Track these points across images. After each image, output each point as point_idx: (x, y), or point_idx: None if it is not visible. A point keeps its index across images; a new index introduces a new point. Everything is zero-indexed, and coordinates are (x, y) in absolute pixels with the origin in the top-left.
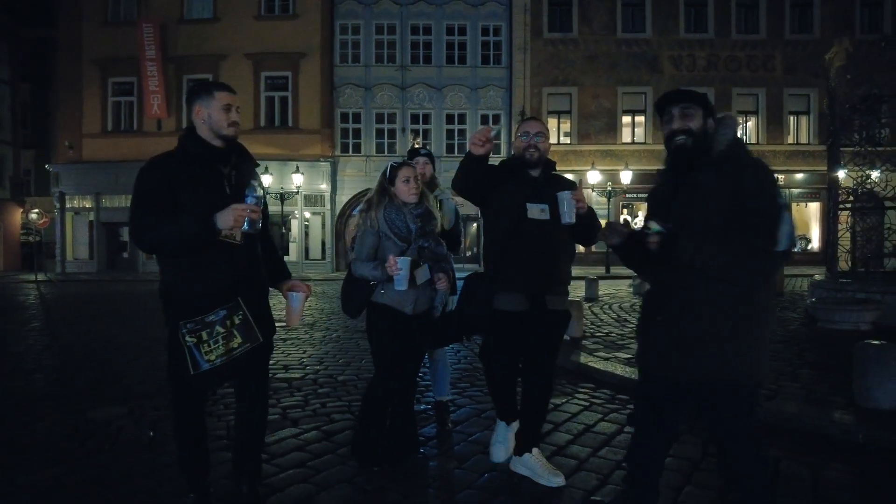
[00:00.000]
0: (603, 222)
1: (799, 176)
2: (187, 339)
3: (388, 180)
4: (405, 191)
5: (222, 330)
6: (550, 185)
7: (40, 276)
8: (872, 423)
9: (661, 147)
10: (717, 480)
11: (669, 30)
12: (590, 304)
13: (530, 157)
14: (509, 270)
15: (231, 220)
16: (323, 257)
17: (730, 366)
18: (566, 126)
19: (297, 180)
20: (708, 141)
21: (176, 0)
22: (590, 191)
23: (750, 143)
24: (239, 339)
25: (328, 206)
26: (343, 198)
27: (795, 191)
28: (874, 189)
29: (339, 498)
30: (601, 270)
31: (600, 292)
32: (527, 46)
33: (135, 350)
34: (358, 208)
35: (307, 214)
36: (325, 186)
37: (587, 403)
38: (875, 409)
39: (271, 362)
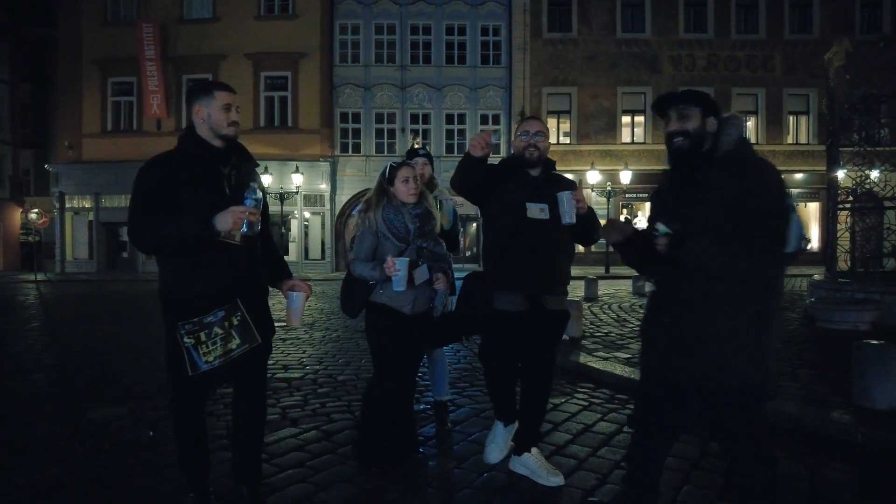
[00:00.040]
0: (602, 222)
1: (798, 176)
2: (185, 339)
3: (387, 180)
4: (404, 191)
5: (220, 331)
6: (550, 184)
7: (40, 276)
8: (871, 423)
9: (661, 147)
10: (717, 480)
11: (669, 30)
12: (589, 304)
13: (530, 157)
14: (509, 270)
15: (230, 222)
16: (322, 257)
17: (730, 367)
18: (566, 126)
19: (297, 180)
20: (708, 141)
21: (175, 0)
22: (589, 191)
23: None
24: (237, 341)
25: (328, 206)
26: (343, 198)
27: (795, 191)
28: (873, 189)
29: (338, 497)
30: (601, 270)
31: (600, 292)
32: (526, 46)
33: (134, 350)
34: (357, 208)
35: (307, 214)
36: (324, 186)
37: (586, 403)
38: (873, 409)
39: (271, 362)
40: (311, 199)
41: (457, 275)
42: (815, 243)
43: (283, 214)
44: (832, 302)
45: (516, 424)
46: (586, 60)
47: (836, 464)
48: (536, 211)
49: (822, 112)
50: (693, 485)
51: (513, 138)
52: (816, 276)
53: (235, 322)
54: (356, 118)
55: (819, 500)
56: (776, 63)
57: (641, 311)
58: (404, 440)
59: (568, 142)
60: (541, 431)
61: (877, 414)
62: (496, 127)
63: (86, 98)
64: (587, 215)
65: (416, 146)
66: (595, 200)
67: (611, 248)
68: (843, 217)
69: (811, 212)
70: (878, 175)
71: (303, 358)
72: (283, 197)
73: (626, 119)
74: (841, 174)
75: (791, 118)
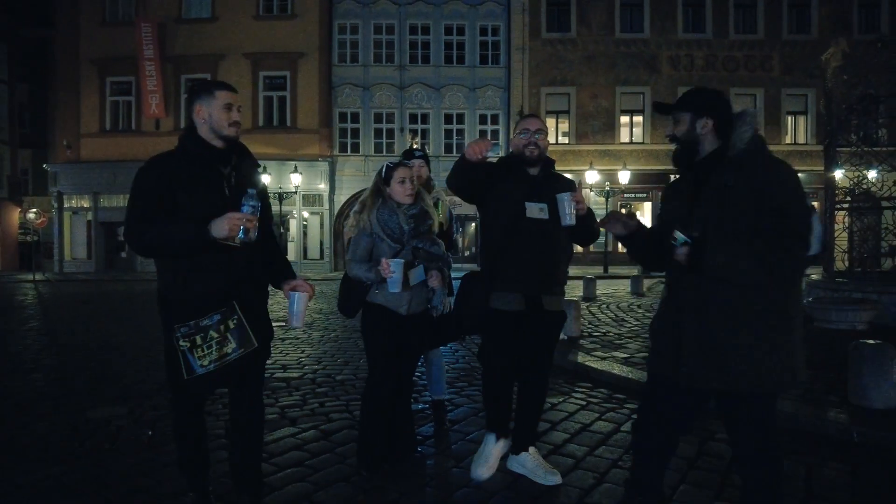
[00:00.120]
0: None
1: None
2: (181, 343)
3: (383, 181)
4: (400, 192)
5: (216, 335)
6: (549, 183)
7: (38, 276)
8: (867, 423)
9: (659, 147)
10: (714, 479)
11: (667, 30)
12: (588, 304)
13: (530, 155)
14: (508, 270)
15: (226, 229)
16: (321, 257)
17: (762, 373)
18: (564, 126)
19: (296, 180)
20: (707, 141)
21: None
22: (588, 190)
23: None
24: (233, 345)
25: (326, 205)
26: (341, 197)
27: None
28: (871, 189)
29: (337, 497)
30: (599, 270)
31: (598, 292)
32: (525, 46)
33: (134, 350)
34: (354, 209)
35: (305, 214)
36: (323, 186)
37: (584, 402)
38: (870, 409)
39: (269, 361)
40: (310, 199)
41: (455, 275)
42: None
43: (282, 214)
44: (830, 302)
45: (508, 442)
46: (585, 60)
47: (833, 462)
48: (536, 211)
49: (820, 112)
50: (690, 484)
51: (511, 137)
52: (814, 276)
53: (232, 325)
54: (355, 118)
55: (816, 498)
56: (774, 63)
57: (640, 311)
58: (403, 440)
59: (566, 142)
60: (538, 431)
61: (873, 413)
62: (495, 142)
63: (84, 98)
64: (586, 216)
65: (415, 146)
66: (594, 200)
67: (609, 249)
68: (841, 217)
69: None
70: (875, 175)
71: (301, 357)
72: (281, 197)
73: (624, 119)
74: (839, 174)
75: (789, 118)
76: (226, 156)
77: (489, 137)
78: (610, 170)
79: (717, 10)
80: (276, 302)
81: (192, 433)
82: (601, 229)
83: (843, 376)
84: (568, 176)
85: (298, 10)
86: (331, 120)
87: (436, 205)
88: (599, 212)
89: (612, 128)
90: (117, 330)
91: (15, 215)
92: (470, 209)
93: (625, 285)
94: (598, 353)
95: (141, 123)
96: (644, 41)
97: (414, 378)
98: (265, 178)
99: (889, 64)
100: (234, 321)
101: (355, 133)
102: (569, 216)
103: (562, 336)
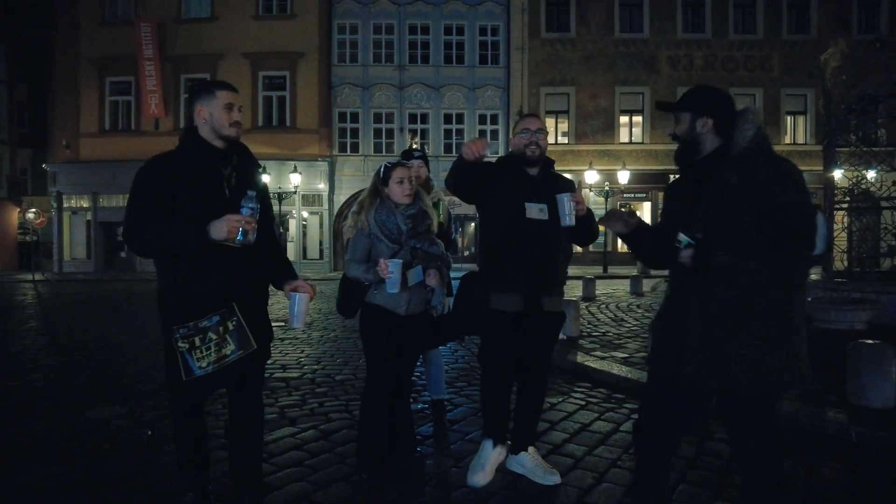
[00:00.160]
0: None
1: None
2: (180, 344)
3: (381, 181)
4: (399, 192)
5: (215, 336)
6: (549, 183)
7: (37, 276)
8: (866, 422)
9: (659, 147)
10: (713, 478)
11: (667, 30)
12: (587, 304)
13: (532, 155)
14: (508, 271)
15: (224, 231)
16: (321, 257)
17: (765, 373)
18: (564, 126)
19: (295, 180)
20: (708, 140)
21: None
22: (587, 190)
23: None
24: (232, 346)
25: (326, 205)
26: (341, 197)
27: None
28: (870, 189)
29: (336, 496)
30: (598, 270)
31: (597, 292)
32: (524, 46)
33: (133, 349)
34: (352, 210)
35: (305, 214)
36: (322, 186)
37: (583, 402)
38: (868, 408)
39: (268, 361)
40: (310, 199)
41: (454, 275)
42: None
43: (282, 214)
44: (829, 301)
45: (505, 449)
46: (584, 60)
47: (832, 462)
48: (535, 211)
49: (819, 112)
50: (689, 483)
51: (511, 136)
52: (813, 276)
53: (231, 327)
54: (354, 118)
55: (815, 498)
56: (774, 63)
57: (639, 311)
58: (403, 440)
59: (566, 142)
60: (537, 430)
61: (872, 413)
62: (491, 141)
63: (83, 97)
64: (586, 217)
65: (414, 146)
66: (593, 200)
67: (608, 249)
68: (840, 217)
69: None
70: (874, 175)
71: (301, 357)
72: (281, 197)
73: (623, 119)
74: (838, 174)
75: (788, 118)
76: (226, 156)
77: (488, 137)
78: (609, 170)
79: (717, 10)
80: (276, 302)
81: (192, 433)
82: (601, 228)
83: (842, 376)
84: (567, 176)
85: (298, 9)
86: (330, 120)
87: (435, 205)
88: (599, 212)
89: (611, 128)
90: (116, 330)
91: (14, 215)
92: (469, 209)
93: (624, 285)
94: (598, 353)
95: (140, 123)
96: (643, 41)
97: (413, 378)
98: (265, 179)
99: (888, 64)
100: (234, 323)
101: (355, 133)
102: (568, 217)
103: (561, 336)
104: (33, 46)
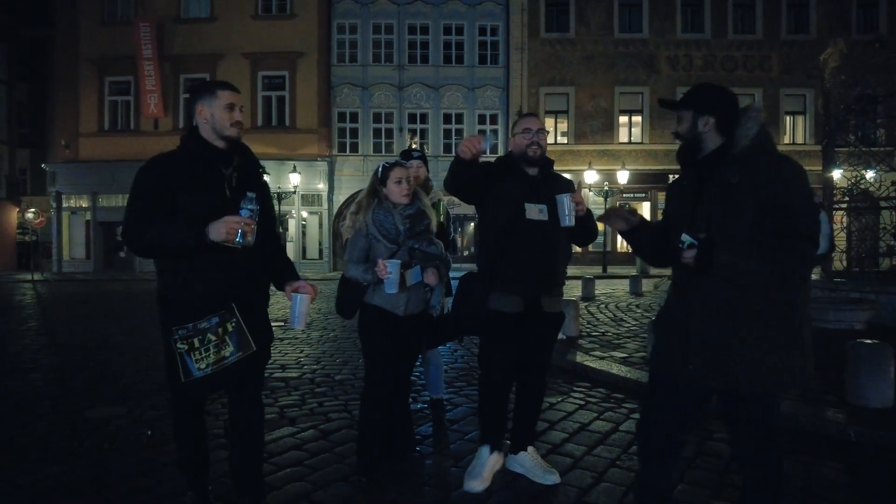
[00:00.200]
0: (600, 225)
1: None
2: (179, 345)
3: (379, 181)
4: (397, 192)
5: (214, 338)
6: (548, 184)
7: (37, 276)
8: (864, 422)
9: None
10: (711, 478)
11: (666, 30)
12: (586, 304)
13: (533, 155)
14: (507, 271)
15: (223, 232)
16: (320, 257)
17: (768, 373)
18: (563, 126)
19: (295, 180)
20: (710, 139)
21: None
22: (587, 190)
23: None
24: (231, 348)
25: (325, 205)
26: (340, 197)
27: None
28: (869, 189)
29: (336, 496)
30: (598, 270)
31: (597, 292)
32: (524, 46)
33: (132, 349)
34: (350, 210)
35: (304, 214)
36: (322, 186)
37: (583, 402)
38: (867, 408)
39: (268, 361)
40: (309, 199)
41: (454, 275)
42: None
43: (281, 214)
44: (827, 301)
45: (502, 455)
46: (584, 60)
47: (831, 462)
48: (535, 212)
49: (818, 112)
50: (688, 483)
51: (510, 136)
52: (812, 276)
53: (230, 328)
54: (354, 118)
55: (814, 497)
56: (773, 63)
57: (638, 311)
58: (402, 440)
59: (565, 142)
60: (537, 430)
61: (870, 413)
62: (490, 136)
63: (83, 97)
64: (585, 217)
65: (414, 146)
66: (592, 200)
67: (608, 248)
68: (839, 217)
69: None
70: (873, 175)
71: (300, 357)
72: (280, 196)
73: (623, 119)
74: (837, 174)
75: (788, 118)
76: (227, 156)
77: (488, 137)
78: (609, 170)
79: (716, 11)
80: (276, 302)
81: (192, 433)
82: (600, 227)
83: (841, 376)
84: (567, 176)
85: (297, 9)
86: (330, 120)
87: (435, 206)
88: (598, 212)
89: (610, 128)
90: (116, 330)
91: (13, 215)
92: (468, 209)
93: (623, 285)
94: (597, 353)
95: (140, 123)
96: (643, 41)
97: (412, 378)
98: (265, 179)
99: (887, 64)
100: (233, 324)
101: (354, 133)
102: (568, 217)
103: (560, 336)
104: (33, 46)
